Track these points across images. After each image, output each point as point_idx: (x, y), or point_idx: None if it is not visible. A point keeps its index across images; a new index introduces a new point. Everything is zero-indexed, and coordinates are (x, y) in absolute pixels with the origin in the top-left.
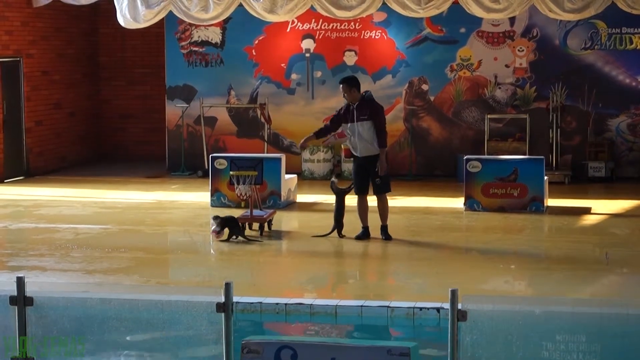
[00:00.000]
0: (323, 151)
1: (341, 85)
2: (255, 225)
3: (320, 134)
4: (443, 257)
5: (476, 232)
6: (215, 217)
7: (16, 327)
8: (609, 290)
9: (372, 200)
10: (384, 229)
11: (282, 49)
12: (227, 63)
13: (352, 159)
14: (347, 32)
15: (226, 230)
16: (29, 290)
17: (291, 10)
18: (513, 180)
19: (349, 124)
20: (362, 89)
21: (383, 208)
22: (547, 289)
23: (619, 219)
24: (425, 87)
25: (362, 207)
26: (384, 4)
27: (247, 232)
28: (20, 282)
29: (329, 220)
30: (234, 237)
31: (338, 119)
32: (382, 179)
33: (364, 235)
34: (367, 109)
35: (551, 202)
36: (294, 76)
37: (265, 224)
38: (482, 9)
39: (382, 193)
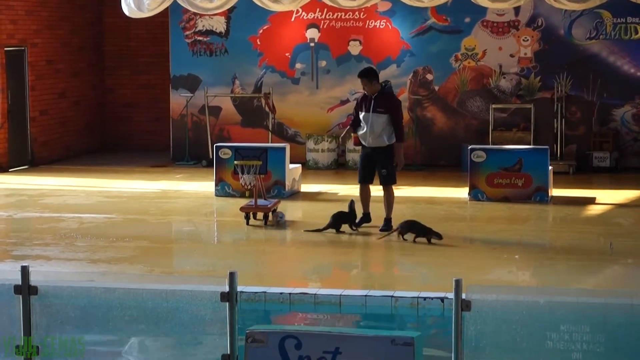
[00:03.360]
0: (327, 141)
1: (360, 79)
2: (260, 215)
3: (354, 126)
4: (447, 247)
5: (480, 222)
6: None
7: (21, 316)
8: (613, 280)
9: (376, 191)
10: (387, 221)
11: (287, 39)
12: (232, 52)
13: (360, 147)
14: (351, 21)
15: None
16: (34, 280)
17: None
18: (517, 170)
19: (363, 113)
20: None
21: (388, 199)
22: (551, 279)
23: (623, 209)
24: (429, 76)
25: (364, 194)
26: None
27: (252, 221)
28: (24, 271)
29: (333, 209)
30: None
31: (357, 109)
32: (387, 170)
33: (364, 220)
34: (386, 102)
35: (555, 192)
36: (298, 66)
37: (270, 214)
38: None
39: (387, 184)
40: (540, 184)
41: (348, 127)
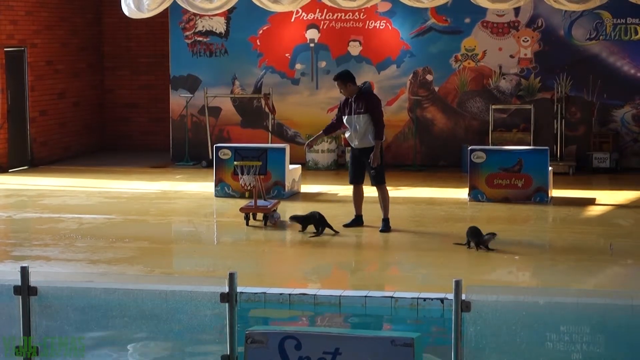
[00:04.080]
0: (327, 142)
1: (336, 82)
2: (260, 216)
3: (328, 131)
4: (447, 248)
5: (480, 222)
6: (295, 218)
7: (20, 317)
8: (613, 281)
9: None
10: (384, 221)
11: (287, 39)
12: (232, 53)
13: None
14: (351, 22)
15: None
16: (33, 280)
17: (295, 0)
18: (517, 170)
19: (346, 117)
20: (367, 79)
21: (383, 199)
22: (551, 279)
23: (623, 210)
24: (429, 77)
25: (357, 196)
26: None
27: (252, 222)
28: (24, 271)
29: (333, 210)
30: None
31: (339, 113)
32: (376, 170)
33: (354, 222)
34: (364, 102)
35: (555, 192)
36: (298, 66)
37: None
38: None
39: (376, 184)
40: (540, 184)
41: (320, 132)
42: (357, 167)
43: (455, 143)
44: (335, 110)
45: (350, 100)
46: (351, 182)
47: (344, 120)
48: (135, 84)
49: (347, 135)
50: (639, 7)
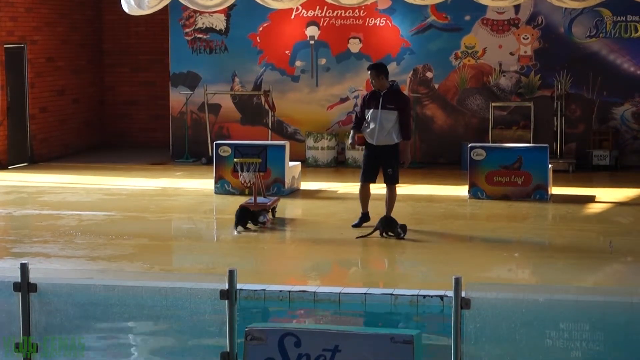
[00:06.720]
0: (327, 139)
1: (369, 72)
2: None
3: (359, 125)
4: (447, 245)
5: (480, 220)
6: None
7: (20, 314)
8: (612, 278)
9: (376, 189)
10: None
11: (287, 36)
12: (232, 50)
13: (364, 146)
14: (351, 19)
15: None
16: (33, 277)
17: None
18: (517, 168)
19: (371, 110)
20: (367, 76)
21: (390, 197)
22: (551, 277)
23: (623, 208)
24: (429, 74)
25: (364, 194)
26: None
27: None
28: (24, 268)
29: (333, 207)
30: None
31: (363, 106)
32: (394, 169)
33: (362, 220)
34: (396, 99)
35: (555, 190)
36: (298, 63)
37: (269, 211)
38: None
39: (392, 184)
40: (540, 182)
41: (353, 132)
42: (373, 166)
43: (455, 140)
44: (333, 106)
45: (379, 94)
46: (363, 181)
47: (369, 115)
48: (135, 81)
49: (366, 131)
50: (639, 5)
